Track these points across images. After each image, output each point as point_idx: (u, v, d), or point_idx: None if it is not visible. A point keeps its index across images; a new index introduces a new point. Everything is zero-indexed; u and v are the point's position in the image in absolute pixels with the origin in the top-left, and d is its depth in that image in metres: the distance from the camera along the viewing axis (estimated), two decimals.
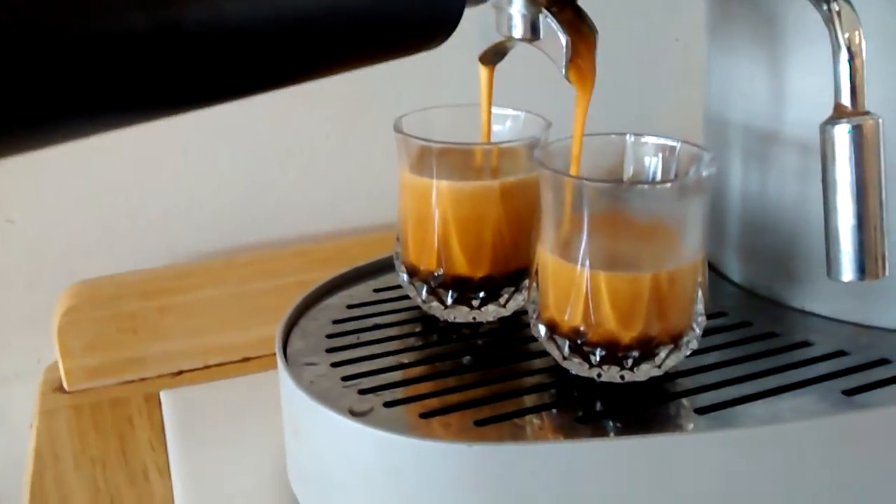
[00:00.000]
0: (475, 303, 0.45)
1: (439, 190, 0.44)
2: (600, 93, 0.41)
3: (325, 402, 0.38)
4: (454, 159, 0.45)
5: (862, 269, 0.34)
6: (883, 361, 0.42)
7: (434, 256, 0.45)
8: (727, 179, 0.49)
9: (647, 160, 0.43)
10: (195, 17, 0.20)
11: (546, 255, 0.40)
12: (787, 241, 0.47)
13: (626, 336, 0.38)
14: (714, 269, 0.52)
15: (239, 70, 0.23)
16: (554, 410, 0.39)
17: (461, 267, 0.44)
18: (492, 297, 0.45)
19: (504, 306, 0.46)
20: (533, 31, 0.39)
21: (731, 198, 0.50)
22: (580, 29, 0.39)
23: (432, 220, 0.44)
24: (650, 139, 0.43)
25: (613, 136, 0.43)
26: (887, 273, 0.34)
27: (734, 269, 0.51)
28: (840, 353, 0.43)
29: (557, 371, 0.41)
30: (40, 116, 0.19)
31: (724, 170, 0.49)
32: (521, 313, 0.47)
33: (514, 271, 0.45)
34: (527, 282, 0.46)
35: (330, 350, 0.44)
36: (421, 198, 0.45)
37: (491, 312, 0.46)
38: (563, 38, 0.38)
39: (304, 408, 0.39)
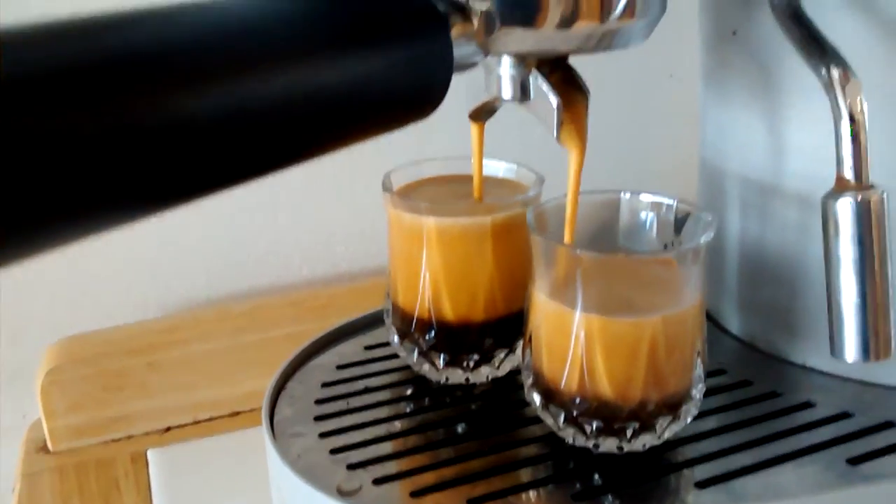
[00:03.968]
0: (468, 364, 0.44)
1: (427, 227, 0.43)
2: (592, 129, 0.39)
3: (311, 481, 0.37)
4: (445, 198, 0.44)
5: (866, 350, 0.32)
6: (888, 424, 0.41)
7: (421, 290, 0.43)
8: (725, 230, 0.48)
9: (642, 215, 0.42)
10: (150, 121, 0.20)
11: (540, 299, 0.39)
12: (787, 296, 0.46)
13: (624, 404, 0.37)
14: (713, 321, 0.50)
15: (225, 162, 0.22)
16: (550, 486, 0.37)
17: (448, 310, 0.43)
18: (485, 360, 0.44)
19: (497, 368, 0.44)
20: (523, 93, 0.37)
21: (729, 248, 0.48)
22: (571, 90, 0.38)
23: (420, 256, 0.43)
24: (646, 197, 0.42)
25: (609, 193, 0.42)
26: (892, 354, 0.33)
27: (733, 322, 0.50)
28: (844, 416, 0.42)
29: (554, 440, 0.40)
30: (50, 219, 0.18)
31: (722, 219, 0.48)
32: (515, 373, 0.46)
33: (506, 315, 0.44)
34: (520, 342, 0.44)
35: (318, 418, 0.42)
36: (408, 235, 0.43)
37: (484, 374, 0.44)
38: (553, 101, 0.36)
39: (291, 484, 0.38)
